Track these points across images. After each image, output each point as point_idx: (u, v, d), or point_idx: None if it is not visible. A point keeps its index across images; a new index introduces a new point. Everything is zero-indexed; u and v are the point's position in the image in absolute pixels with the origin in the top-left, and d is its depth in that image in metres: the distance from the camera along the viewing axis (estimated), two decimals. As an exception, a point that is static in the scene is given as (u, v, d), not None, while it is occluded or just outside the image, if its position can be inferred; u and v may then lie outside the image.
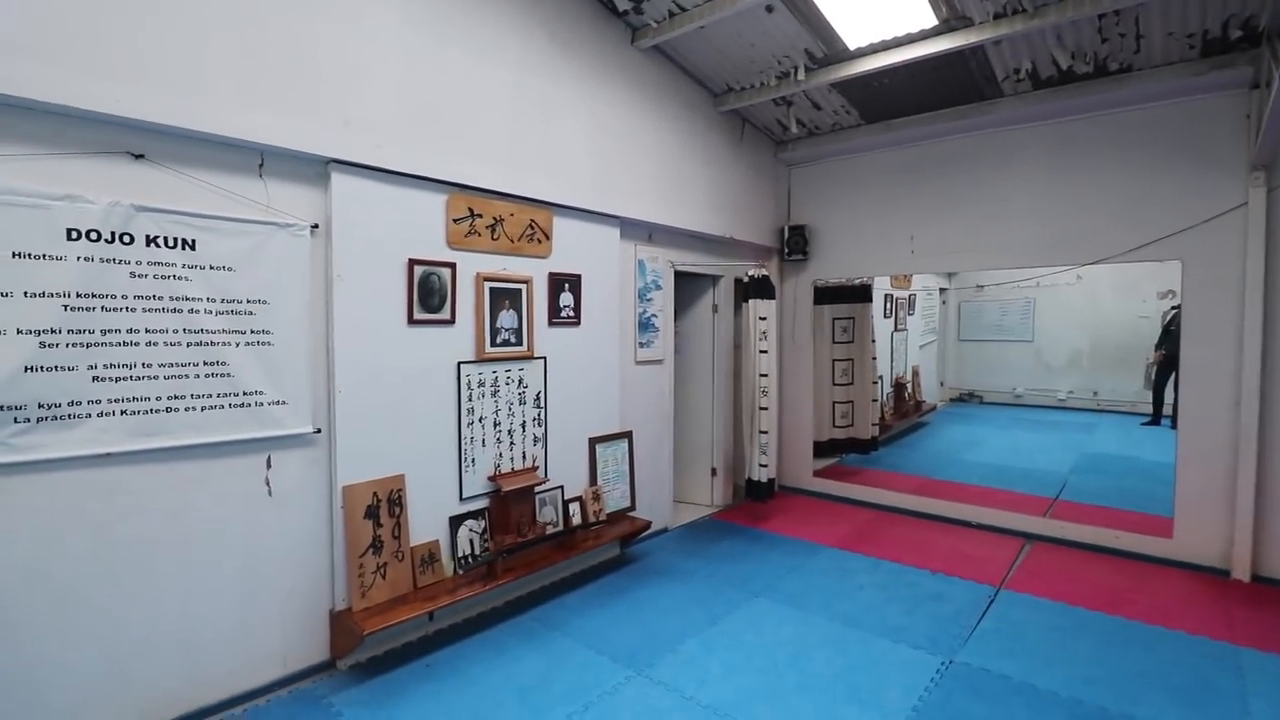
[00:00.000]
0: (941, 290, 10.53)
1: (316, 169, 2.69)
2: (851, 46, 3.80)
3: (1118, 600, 3.40)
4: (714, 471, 5.19)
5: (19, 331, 2.03)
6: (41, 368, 2.07)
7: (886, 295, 7.88)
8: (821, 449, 6.00)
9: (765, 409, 4.63)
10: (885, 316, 7.85)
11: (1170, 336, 7.41)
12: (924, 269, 5.29)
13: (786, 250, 5.39)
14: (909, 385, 8.53)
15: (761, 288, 4.67)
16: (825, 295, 5.95)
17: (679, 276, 4.71)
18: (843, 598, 3.45)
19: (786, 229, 5.39)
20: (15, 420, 2.03)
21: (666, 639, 3.01)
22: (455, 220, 3.12)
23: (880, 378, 7.25)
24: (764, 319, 4.65)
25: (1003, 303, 10.27)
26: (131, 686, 2.26)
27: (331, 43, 2.65)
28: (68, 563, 2.14)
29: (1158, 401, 8.08)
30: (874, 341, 6.44)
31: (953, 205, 4.69)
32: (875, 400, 6.58)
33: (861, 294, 6.25)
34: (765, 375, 4.63)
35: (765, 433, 4.64)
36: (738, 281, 5.15)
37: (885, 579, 3.72)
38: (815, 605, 3.36)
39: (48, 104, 2.01)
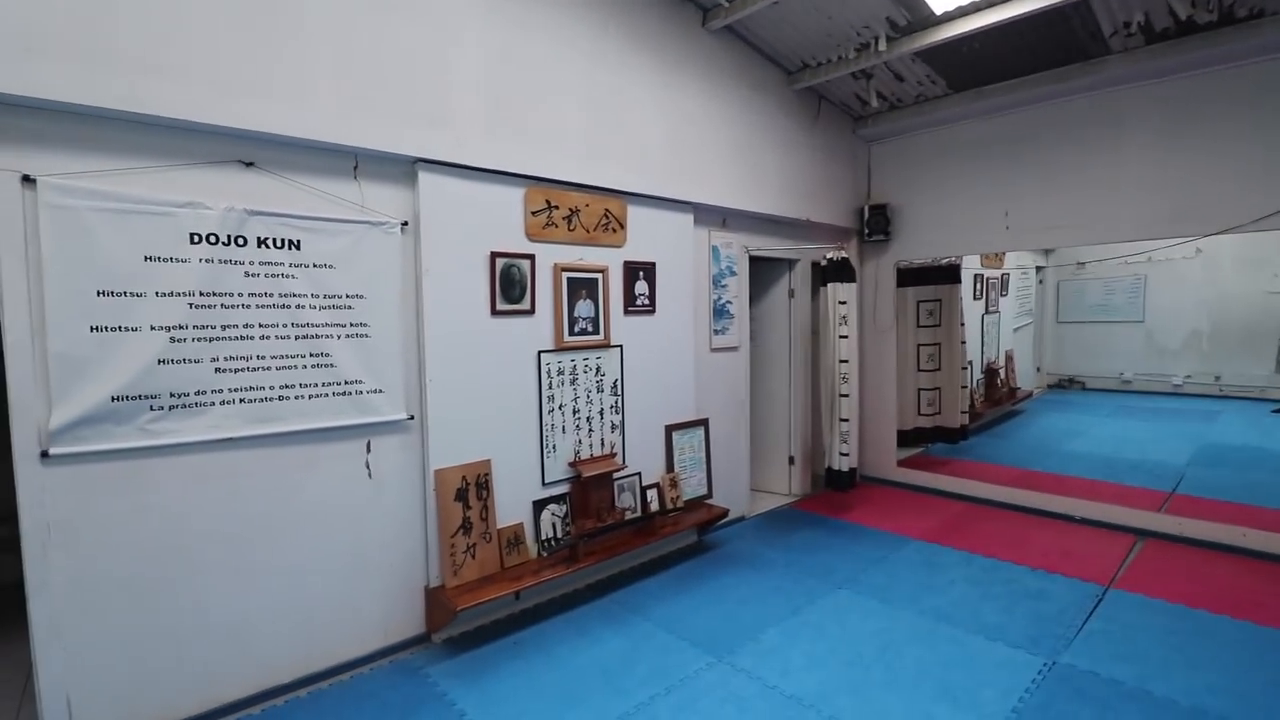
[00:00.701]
0: (1038, 269, 9.84)
1: (404, 169, 2.81)
2: (938, 11, 3.58)
3: (1245, 603, 3.09)
4: (791, 460, 5.09)
5: (152, 328, 2.25)
6: (172, 360, 2.29)
7: (976, 276, 7.44)
8: (907, 438, 5.77)
9: (846, 396, 4.49)
10: (975, 298, 7.41)
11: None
12: (1020, 246, 4.94)
13: (867, 231, 5.18)
14: (1002, 371, 8.03)
15: (840, 271, 4.51)
16: (909, 277, 5.69)
17: (754, 261, 4.62)
18: (932, 592, 3.31)
19: (866, 209, 5.18)
20: (151, 408, 2.25)
21: (747, 627, 2.99)
22: (533, 213, 3.19)
23: (970, 363, 6.86)
24: (844, 303, 4.50)
25: (1107, 280, 9.48)
26: (255, 650, 2.48)
27: (417, 46, 2.76)
28: (195, 538, 2.36)
29: None
30: (963, 325, 6.09)
31: (1053, 176, 4.35)
32: (964, 387, 6.23)
33: (949, 275, 5.92)
34: (845, 361, 4.48)
35: (846, 421, 4.50)
36: (815, 265, 5.00)
37: (978, 574, 3.53)
38: (902, 599, 3.24)
39: (173, 120, 2.20)
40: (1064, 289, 10.01)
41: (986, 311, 7.75)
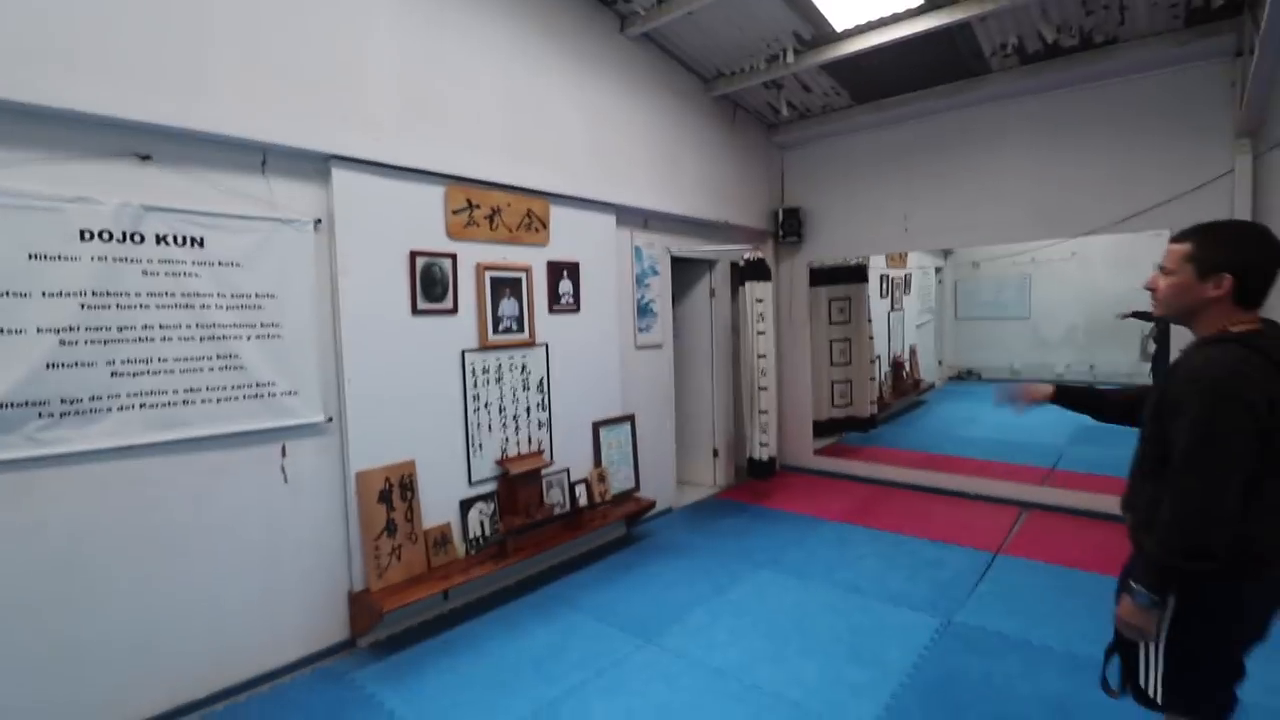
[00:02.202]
0: (937, 270, 10.59)
1: (317, 165, 2.75)
2: (839, 28, 3.85)
3: (1114, 562, 3.46)
4: (715, 452, 5.28)
5: (39, 330, 2.11)
6: (62, 364, 2.15)
7: (882, 276, 7.94)
8: (821, 428, 6.09)
9: (765, 389, 4.72)
10: (881, 297, 7.91)
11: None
12: (918, 246, 5.35)
13: (781, 233, 5.45)
14: (906, 364, 8.61)
15: (757, 271, 4.74)
16: (821, 276, 6.02)
17: (676, 262, 4.77)
18: (844, 567, 3.55)
19: (781, 212, 5.45)
20: (40, 415, 2.11)
21: (674, 610, 3.11)
22: (454, 211, 3.19)
23: (878, 357, 7.33)
24: (761, 301, 4.73)
25: (999, 280, 10.33)
26: (163, 667, 2.36)
27: (328, 40, 2.71)
28: (97, 551, 2.22)
29: (1155, 373, 8.16)
30: (870, 321, 6.51)
31: (945, 182, 4.75)
32: (873, 379, 6.66)
33: (857, 274, 6.31)
34: (764, 356, 4.71)
35: (765, 413, 4.72)
36: (734, 265, 5.21)
37: (886, 549, 3.81)
38: (817, 575, 3.45)
39: (57, 109, 2.07)
40: (961, 288, 10.82)
41: (892, 309, 8.28)
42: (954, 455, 5.87)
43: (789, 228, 5.40)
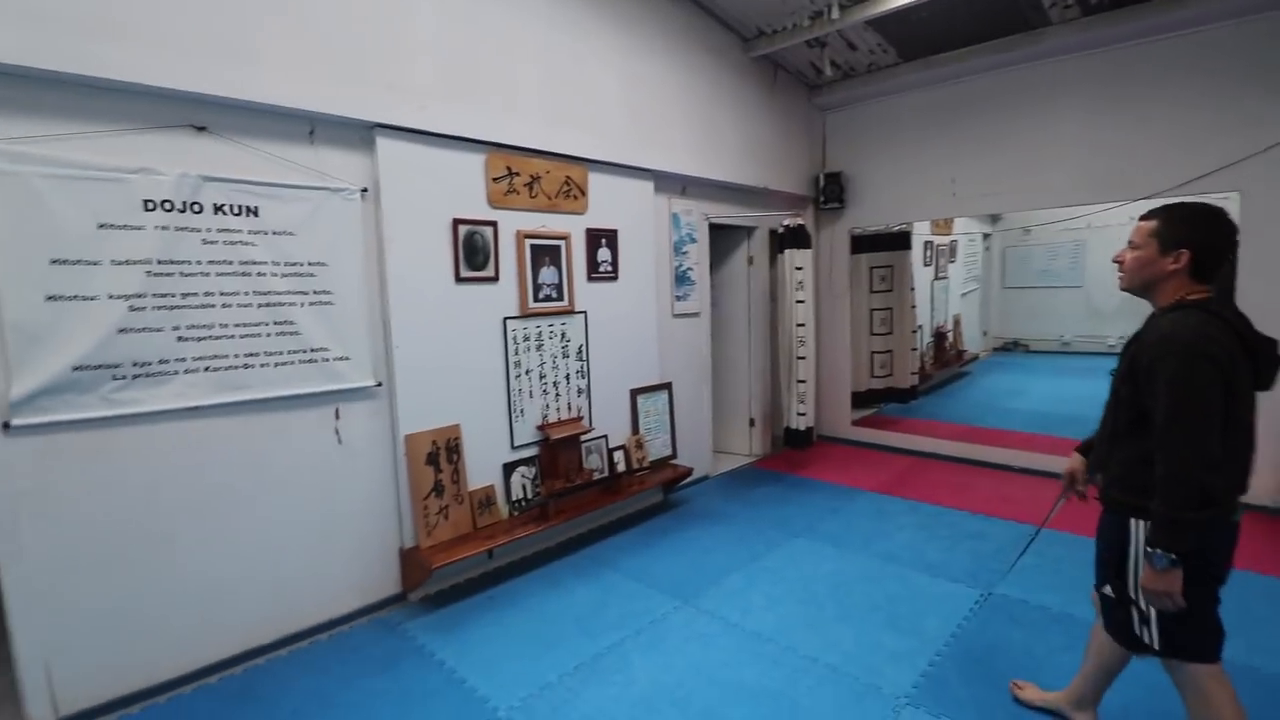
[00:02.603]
0: (985, 236, 10.22)
1: (362, 134, 2.79)
2: (888, -20, 3.68)
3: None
4: (752, 422, 5.28)
5: (110, 297, 2.22)
6: (132, 329, 2.27)
7: (926, 242, 7.71)
8: (860, 399, 6.02)
9: (803, 359, 4.67)
10: (925, 264, 7.70)
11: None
12: (965, 212, 5.17)
13: (822, 199, 5.33)
14: (950, 334, 8.40)
15: (797, 238, 4.65)
16: (863, 244, 5.88)
17: (713, 229, 4.72)
18: (882, 537, 3.55)
19: (822, 177, 5.32)
20: (114, 378, 2.24)
21: (710, 574, 3.16)
22: (495, 179, 3.21)
23: (920, 327, 7.17)
24: (800, 269, 4.65)
25: (1050, 246, 9.92)
26: (232, 614, 2.53)
27: (373, 10, 2.72)
28: (167, 505, 2.37)
29: None
30: (913, 290, 6.35)
31: (996, 144, 4.55)
32: (915, 349, 6.52)
33: (900, 241, 6.14)
34: (802, 325, 4.65)
35: (803, 382, 4.69)
36: (773, 232, 5.13)
37: (924, 520, 3.79)
38: (854, 544, 3.46)
39: (122, 83, 2.15)
40: (1010, 255, 10.43)
41: (936, 277, 8.05)
42: (998, 428, 5.75)
43: (830, 193, 5.27)
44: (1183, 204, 1.61)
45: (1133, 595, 1.59)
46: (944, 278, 8.33)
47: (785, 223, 4.67)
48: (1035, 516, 3.77)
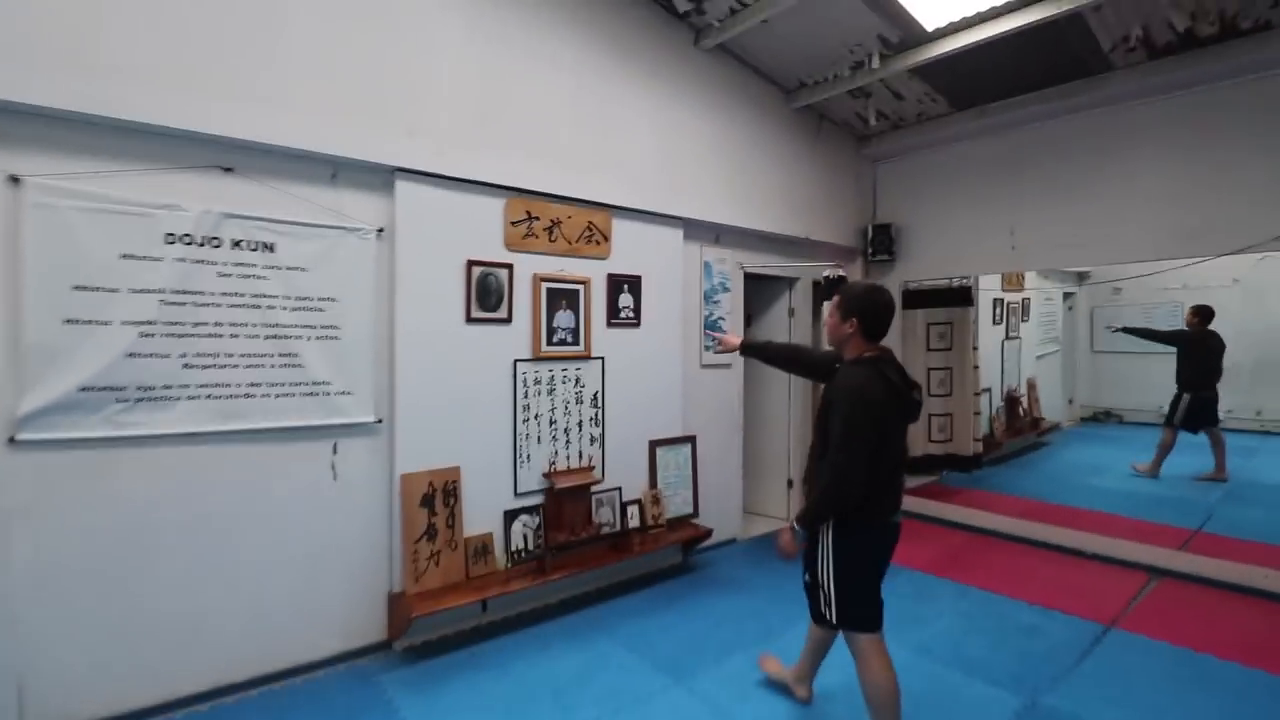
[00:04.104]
0: (1066, 295, 9.49)
1: (383, 177, 2.88)
2: (929, 27, 3.54)
3: (1258, 649, 2.84)
4: (790, 483, 4.95)
5: (123, 323, 2.32)
6: (140, 354, 2.36)
7: (996, 300, 7.21)
8: (916, 465, 5.56)
9: (841, 417, 4.36)
10: (995, 323, 7.18)
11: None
12: (1026, 266, 4.80)
13: (871, 250, 5.09)
14: (1023, 399, 7.72)
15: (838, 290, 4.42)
16: (918, 299, 5.54)
17: (752, 279, 4.57)
18: (917, 624, 3.15)
19: (871, 228, 5.10)
20: (117, 400, 2.32)
21: (714, 650, 2.88)
22: (513, 223, 3.22)
23: (986, 390, 6.62)
24: (840, 322, 4.40)
25: (1144, 307, 9.05)
26: (207, 647, 2.49)
27: (400, 58, 2.85)
28: (157, 530, 2.40)
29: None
30: (976, 349, 5.89)
31: (1059, 195, 4.22)
32: (978, 414, 6.00)
33: (960, 297, 5.73)
34: (841, 381, 4.36)
35: (841, 443, 4.36)
36: (815, 284, 4.92)
37: (970, 607, 3.35)
38: (885, 629, 3.07)
39: (156, 125, 2.30)
40: (1098, 316, 9.62)
41: (1007, 337, 7.49)
42: (1074, 506, 5.13)
43: (879, 245, 5.04)
44: (853, 284, 2.19)
45: (820, 582, 2.10)
46: (1015, 338, 7.74)
47: (827, 274, 4.46)
48: (1102, 612, 3.25)
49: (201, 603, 2.48)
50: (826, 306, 4.35)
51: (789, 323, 4.93)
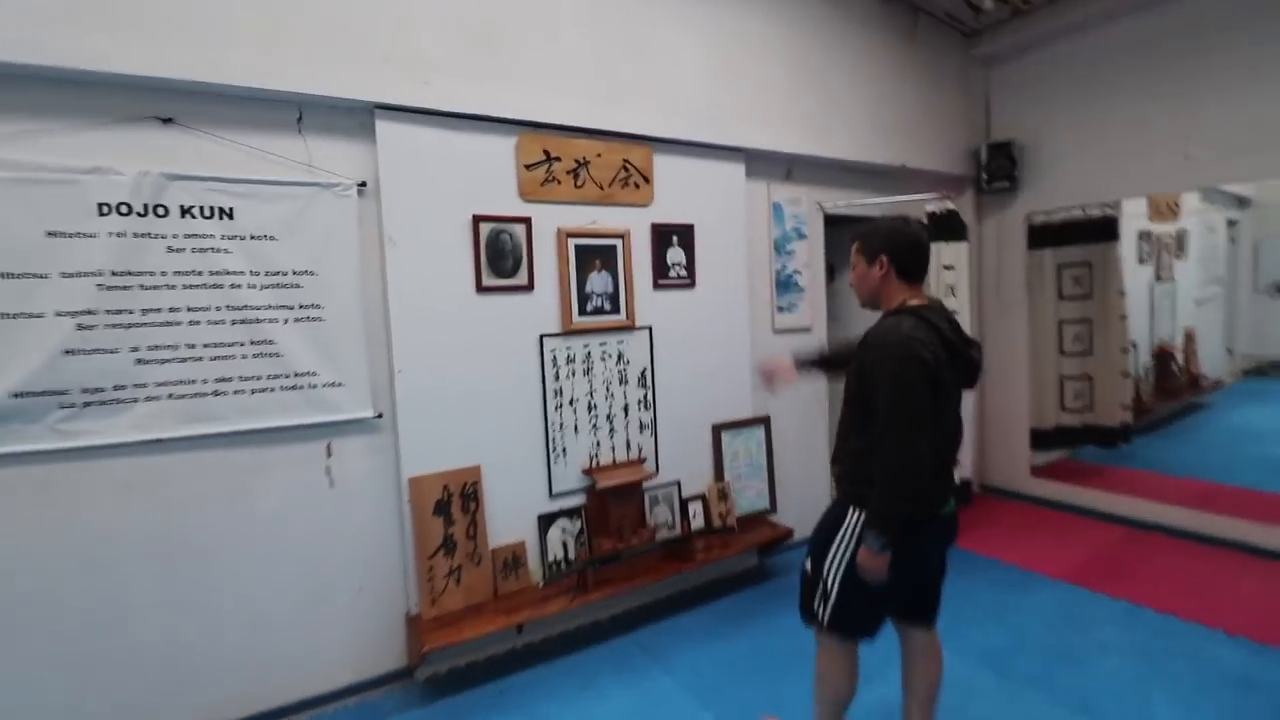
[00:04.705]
0: (1230, 223, 7.83)
1: (360, 118, 2.34)
2: None
3: None
4: (887, 465, 4.17)
5: (57, 314, 1.93)
6: (82, 350, 1.97)
7: (1141, 233, 5.91)
8: (1046, 439, 4.60)
9: (954, 387, 3.53)
10: (1141, 261, 5.90)
11: None
12: (1211, 181, 3.69)
13: (986, 178, 4.11)
14: (1178, 355, 6.40)
15: (947, 227, 3.54)
16: (1045, 235, 4.49)
17: (831, 221, 3.76)
18: (1071, 663, 2.38)
19: (985, 149, 4.11)
20: (60, 406, 1.95)
21: (792, 692, 2.25)
22: (528, 166, 2.62)
23: (1133, 345, 5.44)
24: (951, 268, 3.54)
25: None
26: (193, 681, 2.14)
27: (367, -35, 2.27)
28: (125, 555, 2.04)
29: None
30: (1122, 295, 4.77)
31: (1260, 80, 3.11)
32: (1126, 375, 4.90)
33: (1102, 231, 4.62)
34: (953, 343, 3.52)
35: (954, 418, 3.54)
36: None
37: (1146, 639, 2.52)
38: (1026, 671, 2.34)
39: (73, 71, 1.86)
40: (1265, 248, 7.90)
41: (1157, 279, 6.17)
42: (1259, 489, 4.04)
43: (997, 169, 4.05)
44: (873, 221, 1.77)
45: (824, 574, 1.69)
46: (1169, 279, 6.39)
47: (931, 208, 3.58)
48: (1356, 653, 2.34)
49: (184, 634, 2.13)
50: (935, 249, 3.49)
51: (882, 273, 4.07)
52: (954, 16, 3.90)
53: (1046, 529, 3.71)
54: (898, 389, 1.49)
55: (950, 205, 3.54)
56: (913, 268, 1.68)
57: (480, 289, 2.55)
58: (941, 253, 3.53)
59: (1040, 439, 4.50)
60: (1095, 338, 4.73)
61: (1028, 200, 4.11)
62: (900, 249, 1.66)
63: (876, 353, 1.56)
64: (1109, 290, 4.68)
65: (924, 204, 3.62)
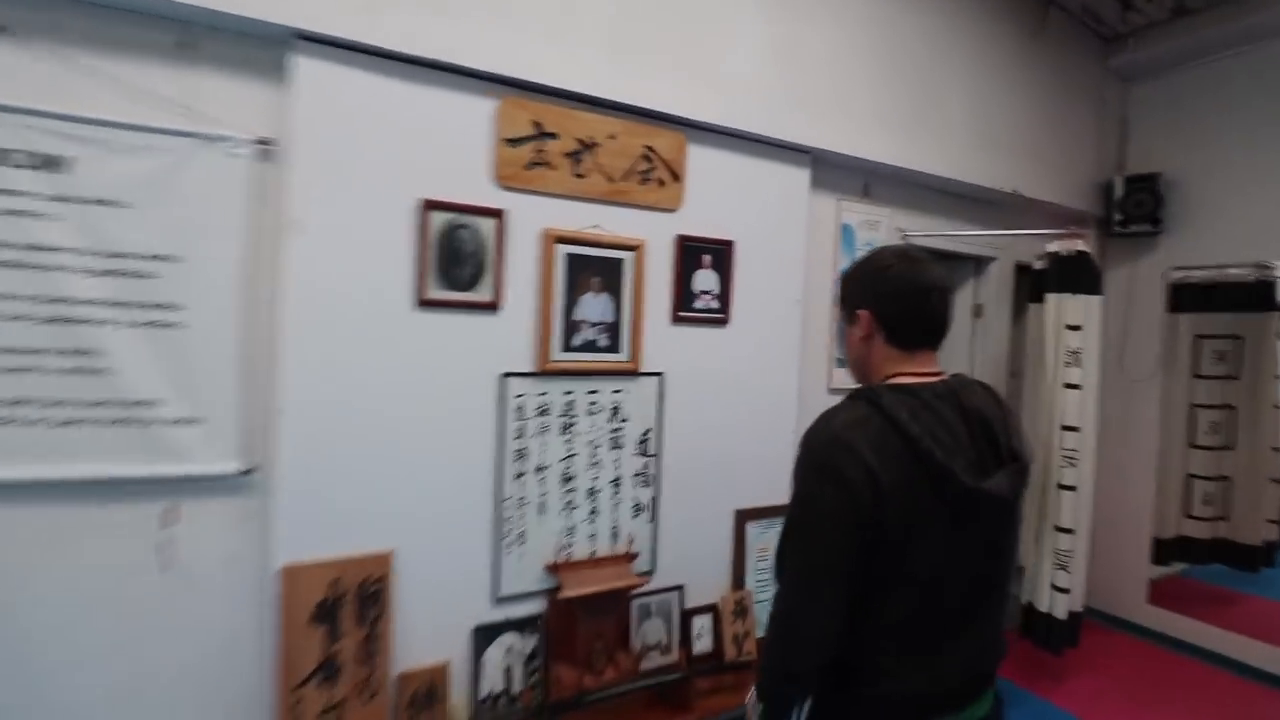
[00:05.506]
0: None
1: (271, 51, 1.67)
2: None
3: None
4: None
5: None
6: None
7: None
8: (1165, 550, 3.62)
9: (1071, 489, 2.62)
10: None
11: None
12: None
13: (1120, 217, 3.22)
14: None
15: (1073, 276, 2.67)
16: (1182, 296, 3.56)
17: (915, 257, 2.93)
18: None
19: (1120, 181, 3.23)
20: None
21: None
22: (510, 141, 1.90)
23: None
24: (1076, 328, 2.65)
25: None
26: None
27: None
28: None
29: None
30: (1279, 379, 3.76)
31: None
32: (1277, 481, 3.86)
33: (1256, 296, 3.63)
34: (1075, 430, 2.62)
35: (1068, 532, 2.62)
36: (1023, 268, 3.17)
37: None
38: None
39: None
40: None
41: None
42: None
43: (1136, 208, 3.17)
44: (859, 259, 1.22)
45: None
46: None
47: (1052, 247, 2.72)
48: None
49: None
50: (1055, 303, 2.65)
51: (972, 325, 3.21)
52: (1094, 14, 3.07)
53: (1170, 680, 2.75)
54: (797, 515, 1.05)
55: (1081, 246, 2.66)
56: (908, 326, 1.14)
57: (422, 302, 1.81)
58: (1064, 308, 2.65)
59: (1156, 549, 3.52)
60: (1239, 430, 3.72)
61: (1173, 251, 3.21)
62: (886, 298, 1.14)
63: (798, 455, 1.08)
64: (1262, 372, 3.67)
65: (1043, 244, 2.76)
